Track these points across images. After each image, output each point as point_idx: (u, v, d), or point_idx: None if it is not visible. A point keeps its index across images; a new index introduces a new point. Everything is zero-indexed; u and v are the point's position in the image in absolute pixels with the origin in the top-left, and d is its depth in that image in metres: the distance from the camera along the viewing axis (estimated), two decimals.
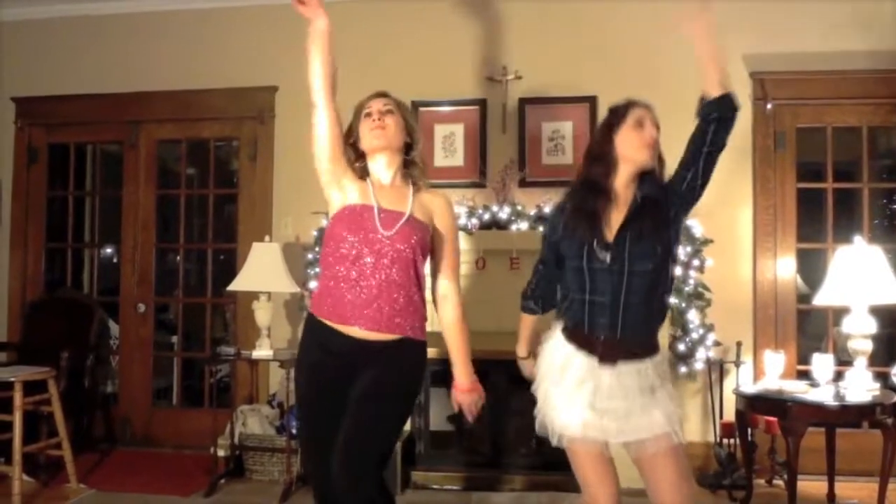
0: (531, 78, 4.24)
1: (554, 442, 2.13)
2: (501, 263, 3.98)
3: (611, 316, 2.07)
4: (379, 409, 2.09)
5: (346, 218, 2.14)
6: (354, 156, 2.25)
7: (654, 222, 2.08)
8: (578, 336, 2.12)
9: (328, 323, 2.12)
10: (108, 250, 5.37)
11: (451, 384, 2.29)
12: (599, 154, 2.15)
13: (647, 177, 2.14)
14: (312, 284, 4.04)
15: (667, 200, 2.11)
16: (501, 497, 3.66)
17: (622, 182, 2.14)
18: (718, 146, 2.07)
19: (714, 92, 2.07)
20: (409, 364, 2.17)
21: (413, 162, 2.25)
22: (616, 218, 2.11)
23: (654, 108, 2.18)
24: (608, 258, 2.06)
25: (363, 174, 2.25)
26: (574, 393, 2.08)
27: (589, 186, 2.14)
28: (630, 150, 2.11)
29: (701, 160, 2.06)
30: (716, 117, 2.05)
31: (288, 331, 4.43)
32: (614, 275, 2.06)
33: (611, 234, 2.08)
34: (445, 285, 2.26)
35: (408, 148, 2.25)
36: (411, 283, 2.13)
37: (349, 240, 2.10)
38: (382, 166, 2.23)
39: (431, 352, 2.31)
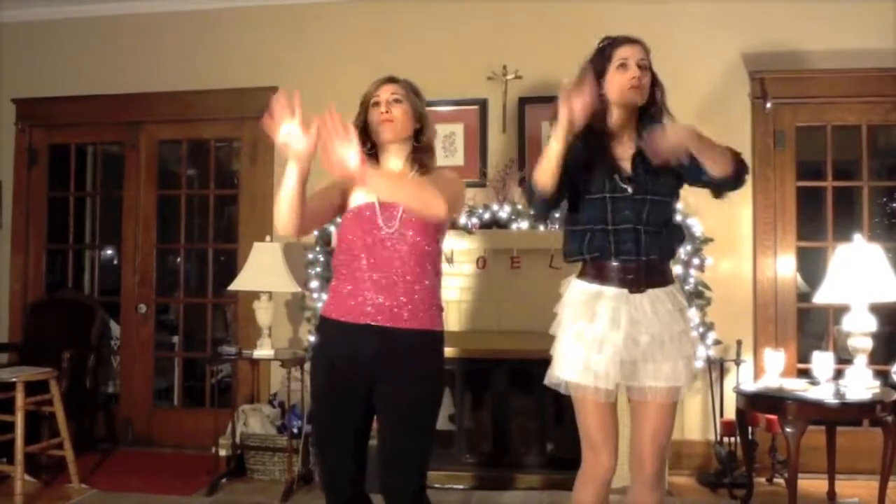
0: (531, 77, 4.24)
1: (562, 389, 2.15)
2: (502, 263, 3.99)
3: (634, 241, 2.11)
4: (412, 416, 2.09)
5: (353, 218, 2.13)
6: (364, 141, 2.19)
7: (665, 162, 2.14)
8: (603, 270, 2.12)
9: (346, 321, 2.10)
10: (109, 251, 5.37)
11: (433, 360, 2.14)
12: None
13: (647, 112, 2.18)
14: (314, 284, 4.05)
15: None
16: (504, 496, 3.66)
17: (620, 121, 2.17)
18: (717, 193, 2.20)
19: (717, 174, 2.08)
20: (428, 360, 2.13)
21: (422, 148, 2.21)
22: (625, 152, 2.15)
23: (645, 42, 2.18)
24: (630, 189, 2.11)
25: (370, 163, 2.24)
26: (610, 333, 2.08)
27: (589, 128, 2.14)
28: (616, 94, 2.14)
29: (699, 184, 2.17)
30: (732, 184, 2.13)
31: (289, 330, 4.44)
32: (636, 202, 2.11)
33: (626, 167, 2.14)
34: None
35: (418, 134, 2.20)
36: (425, 273, 2.11)
37: (359, 239, 2.10)
38: (391, 155, 2.21)
39: None
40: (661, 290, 2.13)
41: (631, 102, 2.14)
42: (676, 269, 3.84)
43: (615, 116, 2.16)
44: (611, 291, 2.11)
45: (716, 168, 2.06)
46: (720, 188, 2.17)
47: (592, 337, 2.09)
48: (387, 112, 2.15)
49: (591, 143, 2.14)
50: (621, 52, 2.14)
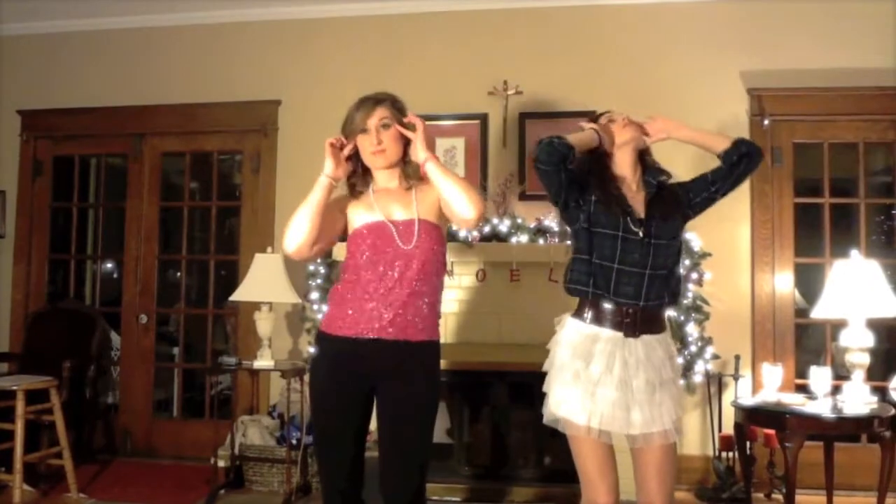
0: (532, 93, 4.29)
1: (560, 427, 2.17)
2: (502, 276, 4.01)
3: (636, 285, 2.15)
4: (414, 426, 2.13)
5: (367, 236, 2.14)
6: (355, 164, 2.23)
7: (675, 207, 2.24)
8: (602, 311, 2.15)
9: (348, 336, 2.12)
10: (111, 262, 5.40)
11: (435, 366, 2.22)
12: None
13: (648, 167, 2.30)
14: (314, 295, 4.08)
15: (683, 200, 2.27)
16: None
17: (624, 166, 2.27)
18: (747, 171, 2.26)
19: (724, 146, 2.26)
20: (431, 366, 2.20)
21: (412, 163, 2.20)
22: (636, 197, 2.23)
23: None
24: (640, 233, 2.17)
25: (364, 182, 2.24)
26: (604, 377, 2.11)
27: (602, 163, 2.28)
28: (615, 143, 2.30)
29: (730, 181, 2.26)
30: (745, 152, 2.23)
31: (289, 341, 4.46)
32: (644, 246, 2.16)
33: (639, 210, 2.21)
34: None
35: (406, 149, 2.21)
36: (434, 290, 2.18)
37: (373, 256, 2.11)
38: (386, 177, 2.24)
39: None
40: (654, 336, 2.18)
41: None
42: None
43: (618, 162, 2.27)
44: (607, 334, 2.15)
45: (717, 144, 2.27)
46: (735, 166, 2.23)
47: (588, 378, 2.12)
48: (378, 143, 2.14)
49: (602, 183, 2.22)
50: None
